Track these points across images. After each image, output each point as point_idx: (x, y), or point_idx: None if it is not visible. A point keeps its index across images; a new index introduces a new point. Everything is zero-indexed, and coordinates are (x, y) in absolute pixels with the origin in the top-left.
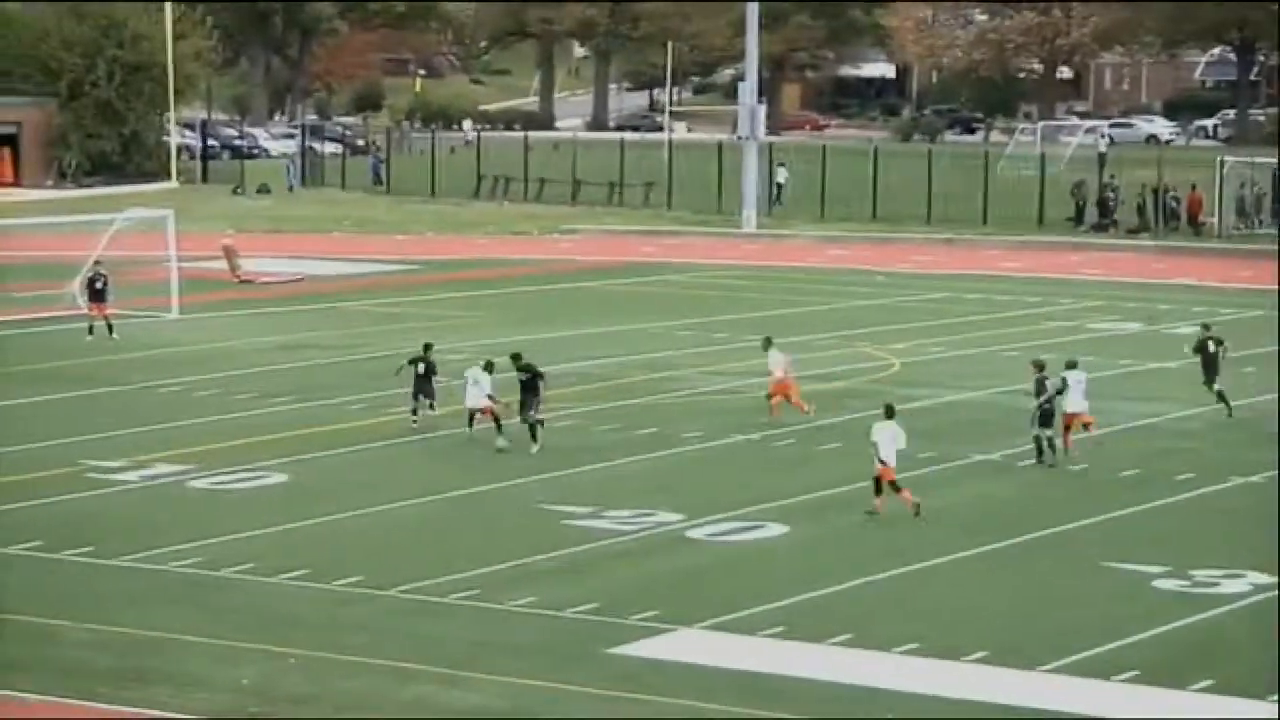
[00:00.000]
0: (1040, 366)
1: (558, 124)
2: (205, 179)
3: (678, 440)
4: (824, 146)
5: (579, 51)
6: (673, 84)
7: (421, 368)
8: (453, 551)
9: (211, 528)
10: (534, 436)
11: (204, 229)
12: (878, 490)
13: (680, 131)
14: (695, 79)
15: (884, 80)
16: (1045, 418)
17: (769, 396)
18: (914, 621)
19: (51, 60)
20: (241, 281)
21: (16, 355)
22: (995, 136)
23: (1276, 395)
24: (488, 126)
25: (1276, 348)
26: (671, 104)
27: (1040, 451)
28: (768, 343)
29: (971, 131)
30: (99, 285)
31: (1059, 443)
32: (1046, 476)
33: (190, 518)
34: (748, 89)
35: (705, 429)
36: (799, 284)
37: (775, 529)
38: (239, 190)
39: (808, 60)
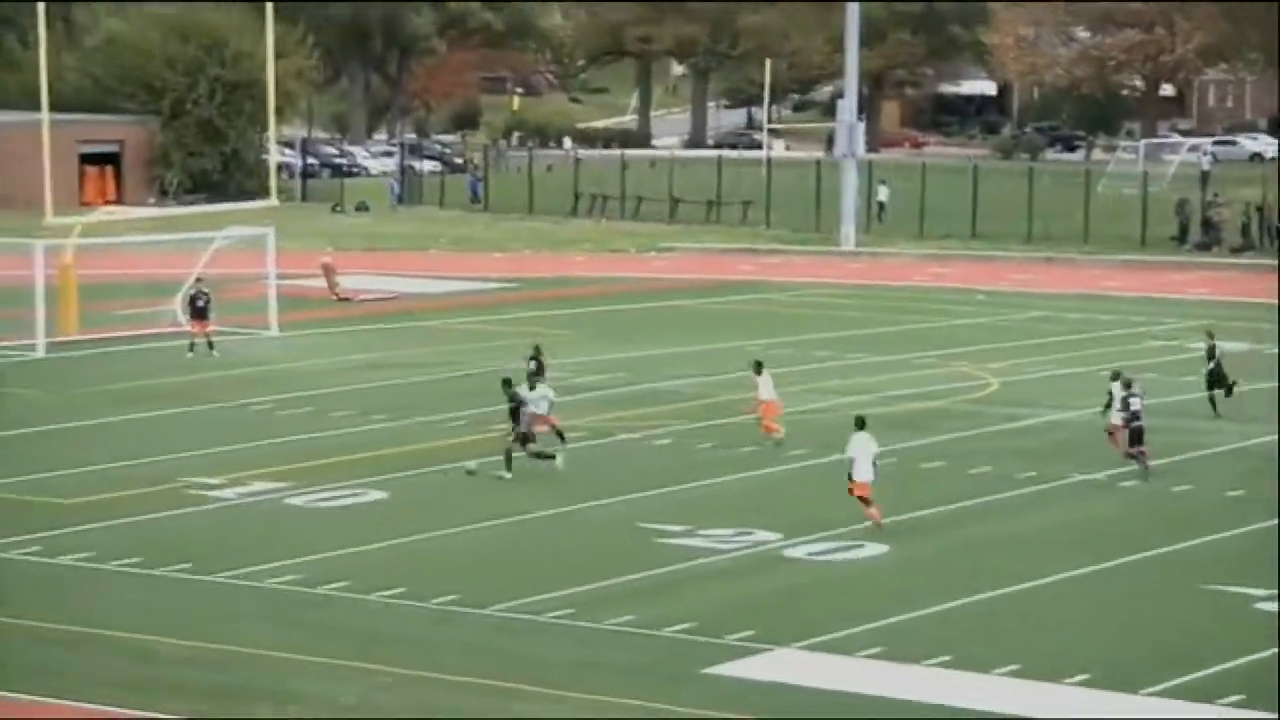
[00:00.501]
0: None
1: (655, 142)
2: (305, 197)
3: (776, 459)
4: (923, 164)
5: (677, 69)
6: (771, 101)
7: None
8: (549, 570)
9: (308, 545)
10: (508, 465)
11: (303, 247)
12: (867, 504)
13: (778, 149)
14: (794, 96)
15: (984, 98)
16: (1135, 436)
17: (759, 419)
18: (1014, 643)
19: (155, 79)
20: (340, 299)
21: (118, 372)
22: (1097, 154)
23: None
24: (585, 145)
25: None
26: (770, 121)
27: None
28: (759, 367)
29: (1073, 149)
30: (200, 303)
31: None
32: (1149, 497)
33: (287, 535)
34: (847, 106)
35: (805, 447)
36: (897, 302)
37: (874, 548)
38: (338, 208)
39: (907, 77)
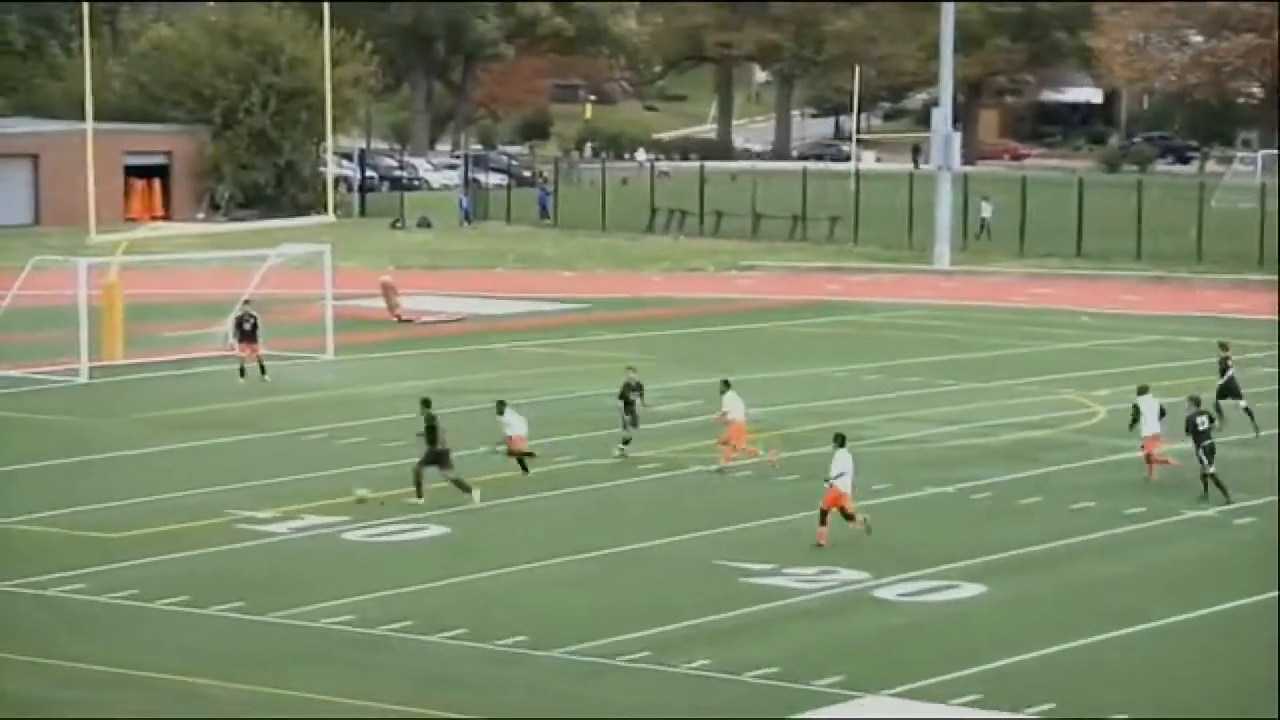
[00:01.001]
0: (1196, 402)
1: (736, 153)
2: (363, 212)
3: (864, 492)
4: (1024, 177)
5: (760, 76)
6: (860, 110)
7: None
8: (621, 610)
9: (366, 583)
10: (418, 490)
11: (361, 265)
12: (848, 517)
13: (868, 161)
14: (884, 105)
15: (1090, 106)
16: (1209, 453)
17: (723, 441)
18: (1120, 689)
19: (204, 87)
20: (400, 321)
21: (165, 398)
22: (1211, 166)
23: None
24: (661, 156)
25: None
26: (859, 131)
27: (1206, 489)
28: (725, 385)
29: (1185, 161)
30: (248, 325)
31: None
32: (1261, 536)
33: (343, 572)
34: (941, 115)
35: (894, 481)
36: (997, 325)
37: (970, 588)
38: (398, 224)
39: (1006, 85)
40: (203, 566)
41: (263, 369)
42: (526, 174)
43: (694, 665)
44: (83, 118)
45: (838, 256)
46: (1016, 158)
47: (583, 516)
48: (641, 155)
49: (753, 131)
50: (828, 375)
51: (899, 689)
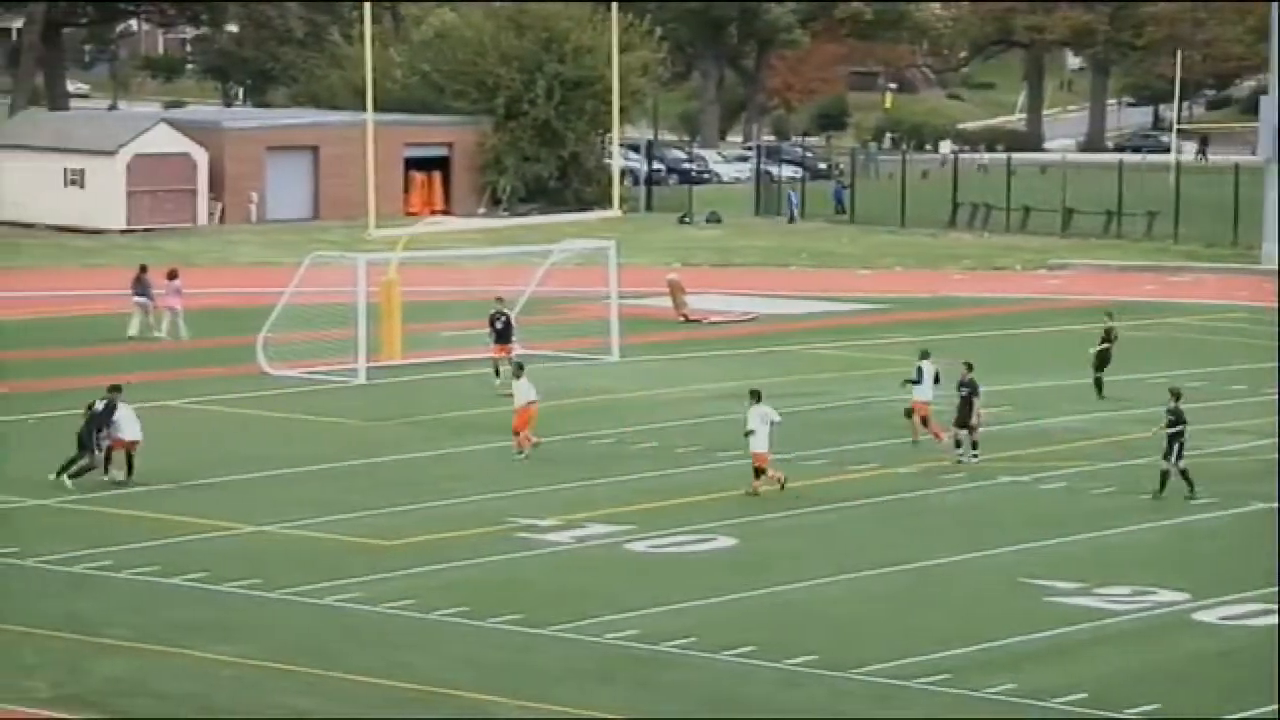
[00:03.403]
0: (1177, 395)
1: (1046, 144)
2: (650, 207)
3: (1184, 507)
4: None
5: (1073, 62)
6: (1182, 98)
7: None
8: (919, 629)
9: (650, 596)
10: None
11: (647, 262)
12: (757, 475)
13: (1189, 152)
14: (1209, 92)
15: None
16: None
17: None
18: None
19: (488, 76)
20: (687, 320)
21: (443, 400)
22: None
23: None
24: (968, 148)
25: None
26: (1180, 121)
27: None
28: (519, 369)
29: None
30: (499, 324)
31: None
32: None
33: (627, 584)
34: (1270, 103)
35: (1219, 494)
36: None
37: None
38: (686, 219)
39: None
40: (482, 576)
41: (497, 372)
42: (821, 166)
43: (996, 689)
44: (363, 108)
45: (1155, 254)
46: None
47: (880, 528)
48: (947, 147)
49: (1064, 122)
50: (1143, 381)
51: None
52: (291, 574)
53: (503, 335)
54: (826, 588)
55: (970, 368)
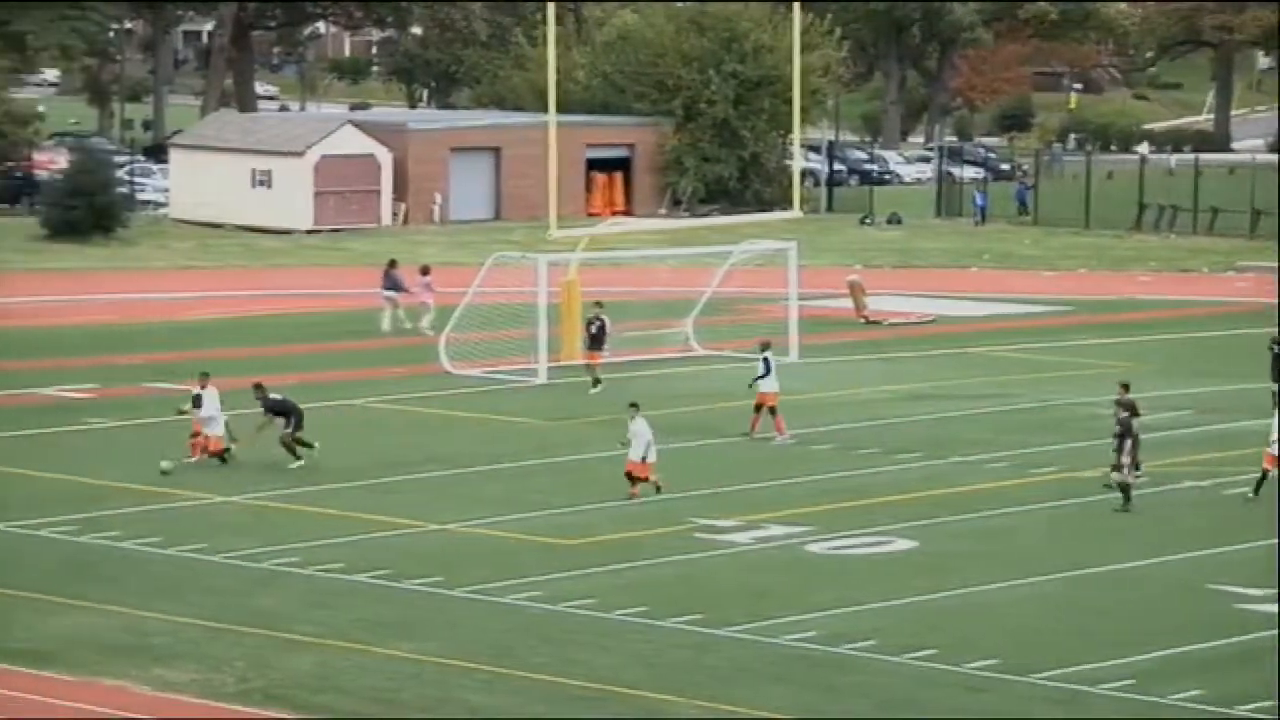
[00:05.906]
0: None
1: (1235, 145)
2: (830, 208)
3: None
4: None
5: (1263, 62)
6: None
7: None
8: (1102, 634)
9: (829, 597)
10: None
11: (828, 263)
12: (633, 481)
13: None
14: None
15: None
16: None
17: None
18: None
19: (668, 77)
20: (868, 322)
21: (623, 400)
22: None
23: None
24: (1168, 148)
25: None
26: None
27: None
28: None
29: None
30: (594, 329)
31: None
32: None
33: (806, 585)
34: None
35: None
36: None
37: None
38: (867, 220)
39: None
40: (660, 576)
41: (596, 380)
42: (1004, 167)
43: (1182, 696)
44: (545, 109)
45: None
46: None
47: (1064, 532)
48: (1144, 148)
49: (1253, 123)
50: None
51: None
52: (473, 572)
53: (596, 340)
54: (1007, 591)
55: (1127, 387)
